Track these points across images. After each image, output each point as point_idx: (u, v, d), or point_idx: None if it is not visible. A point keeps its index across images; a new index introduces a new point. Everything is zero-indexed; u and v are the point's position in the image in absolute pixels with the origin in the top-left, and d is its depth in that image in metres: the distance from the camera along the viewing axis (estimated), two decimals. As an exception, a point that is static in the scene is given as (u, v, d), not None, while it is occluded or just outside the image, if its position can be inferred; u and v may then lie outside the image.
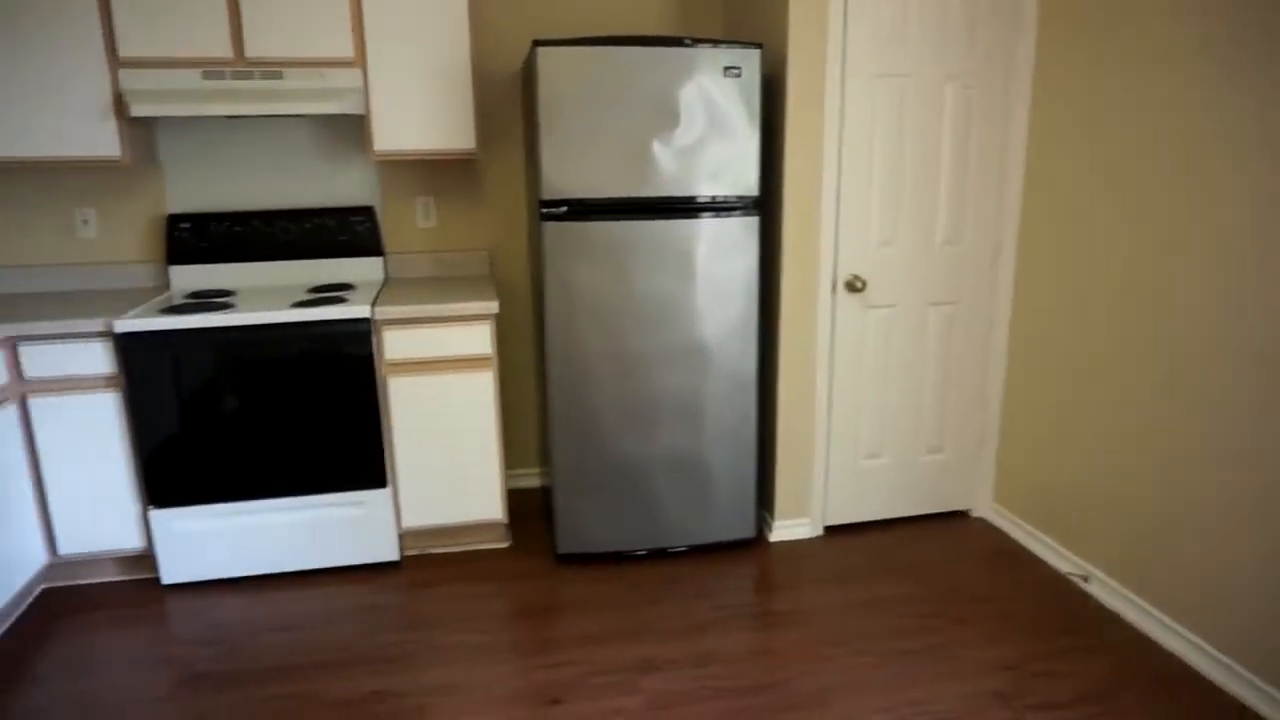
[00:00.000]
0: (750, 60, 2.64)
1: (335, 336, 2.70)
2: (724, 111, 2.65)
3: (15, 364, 2.59)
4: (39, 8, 2.59)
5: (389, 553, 2.90)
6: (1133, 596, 2.52)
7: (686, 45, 2.59)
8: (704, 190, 2.70)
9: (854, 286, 2.91)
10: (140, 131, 2.88)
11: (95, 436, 2.65)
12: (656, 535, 2.94)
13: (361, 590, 2.77)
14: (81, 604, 2.70)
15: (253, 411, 2.70)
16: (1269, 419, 2.06)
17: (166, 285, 3.12)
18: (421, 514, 2.90)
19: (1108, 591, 2.62)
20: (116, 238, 3.09)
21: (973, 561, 2.91)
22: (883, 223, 2.91)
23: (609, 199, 2.66)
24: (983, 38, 2.83)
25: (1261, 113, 2.03)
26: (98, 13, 2.63)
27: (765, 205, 2.96)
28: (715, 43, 2.61)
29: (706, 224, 2.72)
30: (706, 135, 2.66)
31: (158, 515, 2.72)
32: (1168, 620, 2.39)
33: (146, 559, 2.83)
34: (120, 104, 2.70)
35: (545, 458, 3.05)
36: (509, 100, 3.27)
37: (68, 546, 2.72)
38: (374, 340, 2.74)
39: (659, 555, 2.98)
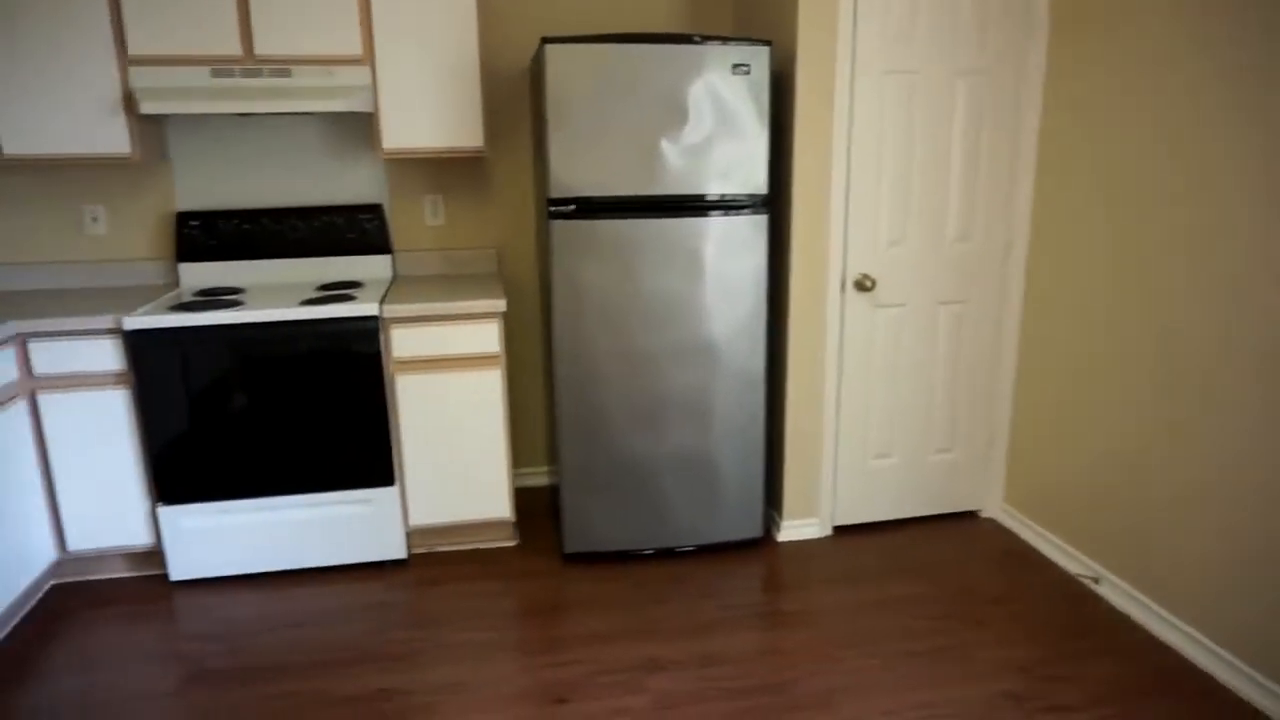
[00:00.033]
0: (759, 58, 2.62)
1: (343, 334, 2.70)
2: (733, 109, 2.64)
3: (25, 361, 2.60)
4: (48, 5, 2.60)
5: (396, 550, 2.90)
6: (1143, 599, 2.50)
7: (695, 43, 2.58)
8: (713, 188, 2.69)
9: (863, 285, 2.90)
10: (150, 128, 2.89)
11: (104, 433, 2.66)
12: (664, 534, 2.93)
13: (369, 588, 2.77)
14: (90, 600, 2.71)
15: (261, 409, 2.71)
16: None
17: (176, 282, 3.13)
18: (429, 512, 2.90)
19: (1118, 594, 2.59)
20: (126, 235, 3.10)
21: (983, 562, 2.89)
22: (892, 221, 2.89)
23: (617, 197, 2.65)
24: (994, 39, 2.80)
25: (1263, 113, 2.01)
26: (107, 10, 2.63)
27: (774, 203, 2.94)
28: (724, 40, 2.59)
29: (715, 222, 2.71)
30: (715, 133, 2.65)
31: (166, 512, 2.73)
32: (1179, 623, 2.37)
33: (155, 555, 2.84)
34: (130, 101, 2.71)
35: (553, 456, 3.05)
36: (517, 98, 3.27)
37: (76, 543, 2.74)
38: (382, 338, 2.74)
39: (666, 555, 2.97)
